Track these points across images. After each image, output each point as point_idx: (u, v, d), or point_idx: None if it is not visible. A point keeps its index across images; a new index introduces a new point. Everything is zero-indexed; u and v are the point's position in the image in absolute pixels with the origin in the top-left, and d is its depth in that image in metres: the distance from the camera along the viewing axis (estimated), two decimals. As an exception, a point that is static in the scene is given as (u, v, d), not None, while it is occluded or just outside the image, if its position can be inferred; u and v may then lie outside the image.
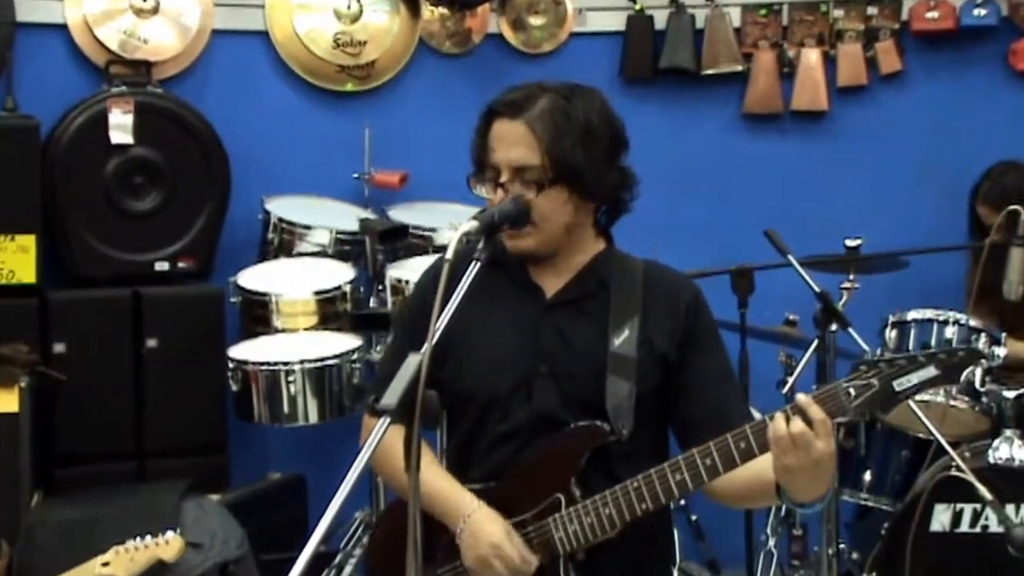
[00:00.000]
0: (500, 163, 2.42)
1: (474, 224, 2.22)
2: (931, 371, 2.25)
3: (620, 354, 2.43)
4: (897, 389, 2.25)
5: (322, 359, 4.14)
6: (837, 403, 2.25)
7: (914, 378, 2.25)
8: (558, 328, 2.47)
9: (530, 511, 2.41)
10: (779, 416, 2.23)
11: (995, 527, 3.65)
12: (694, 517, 4.54)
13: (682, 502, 4.46)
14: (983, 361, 2.31)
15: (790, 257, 3.74)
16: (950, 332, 4.04)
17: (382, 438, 1.90)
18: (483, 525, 2.39)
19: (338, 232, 4.51)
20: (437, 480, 2.44)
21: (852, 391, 2.26)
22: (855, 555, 4.25)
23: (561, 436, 2.42)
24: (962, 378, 2.25)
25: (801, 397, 2.24)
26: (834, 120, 5.15)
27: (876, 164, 5.15)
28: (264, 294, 4.31)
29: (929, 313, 4.10)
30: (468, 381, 2.47)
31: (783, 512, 4.28)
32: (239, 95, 4.82)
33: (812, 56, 5.05)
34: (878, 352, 4.02)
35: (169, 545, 3.48)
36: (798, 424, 2.20)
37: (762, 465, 2.29)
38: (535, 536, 2.40)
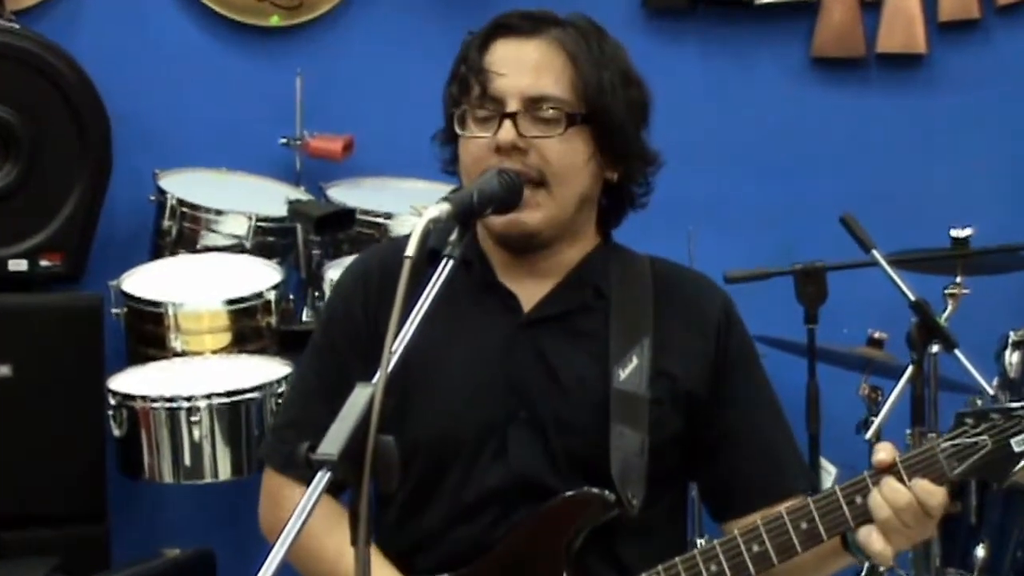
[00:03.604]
0: (507, 92, 2.40)
1: (445, 208, 2.16)
2: None
3: (627, 392, 2.43)
4: (1017, 450, 2.28)
5: (237, 392, 4.13)
6: (934, 469, 2.30)
7: None
8: (540, 354, 2.46)
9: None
10: (881, 493, 2.27)
11: None
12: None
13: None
14: None
15: (875, 253, 3.74)
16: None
17: (317, 501, 1.88)
18: None
19: (259, 219, 4.50)
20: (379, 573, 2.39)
21: (954, 452, 2.29)
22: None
23: (547, 509, 2.41)
24: None
25: (882, 457, 2.29)
26: (934, 67, 5.16)
27: (991, 127, 5.17)
28: (158, 304, 4.30)
29: (1065, 330, 4.12)
30: (416, 426, 2.41)
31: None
32: (123, 33, 4.81)
33: (905, -20, 5.08)
34: (994, 383, 4.03)
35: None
36: (903, 495, 2.26)
37: None
38: None
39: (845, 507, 2.33)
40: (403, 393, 2.41)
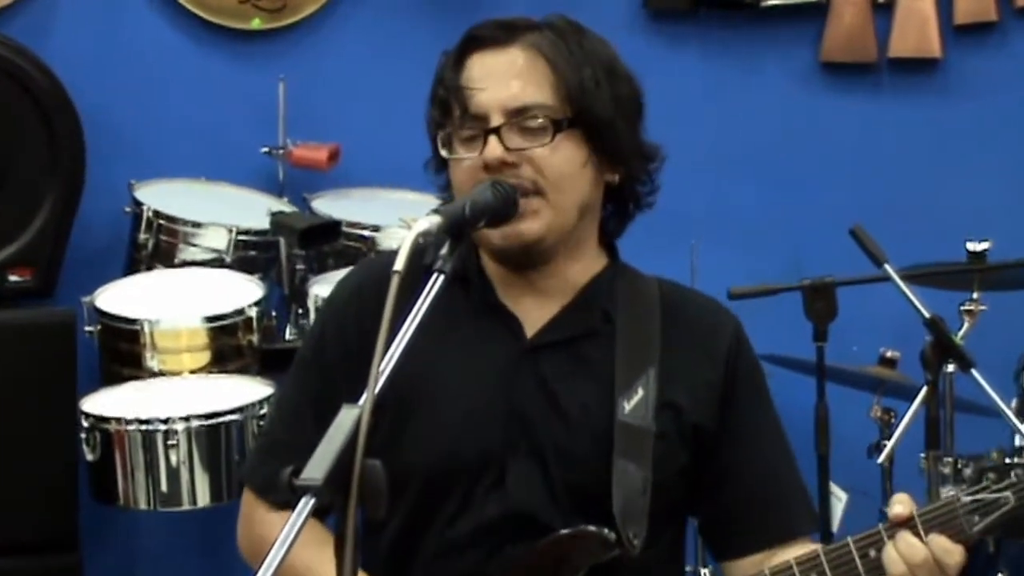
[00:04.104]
0: (488, 107, 2.39)
1: (435, 220, 2.16)
2: None
3: (632, 425, 2.42)
4: None
5: (217, 415, 4.12)
6: (953, 526, 2.30)
7: None
8: (543, 381, 2.45)
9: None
10: (897, 548, 2.28)
11: None
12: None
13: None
14: None
15: (887, 267, 3.73)
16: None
17: (302, 527, 1.88)
18: None
19: (240, 232, 4.50)
20: None
21: (975, 508, 2.30)
22: None
23: (545, 546, 2.40)
24: None
25: (898, 510, 2.30)
26: (950, 72, 5.16)
27: (1010, 134, 5.17)
28: (133, 321, 4.30)
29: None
30: (410, 453, 2.41)
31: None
32: (97, 36, 4.81)
33: (918, -19, 5.08)
34: (1013, 404, 4.02)
35: None
36: (919, 551, 2.27)
37: None
38: None
39: (858, 560, 2.34)
40: (397, 417, 2.41)
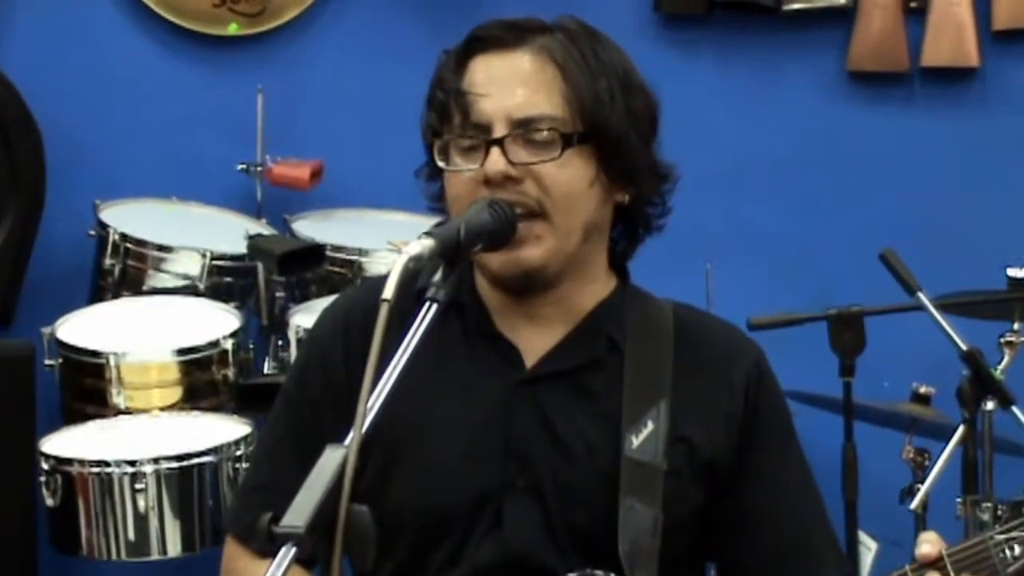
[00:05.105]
0: (492, 115, 2.38)
1: (427, 244, 2.17)
2: None
3: (640, 462, 2.41)
4: None
5: (188, 456, 4.12)
6: (985, 567, 2.29)
7: None
8: (543, 415, 2.45)
9: None
10: None
11: None
12: None
13: None
14: None
15: (920, 295, 3.75)
16: None
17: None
18: None
19: (214, 257, 4.51)
20: None
21: (1009, 546, 2.29)
22: None
23: (546, 591, 2.41)
24: None
25: (926, 550, 2.29)
26: (988, 82, 5.17)
27: (1054, 150, 5.18)
28: (98, 354, 4.30)
29: None
30: (400, 496, 2.43)
31: None
32: (59, 43, 4.83)
33: (954, -17, 5.11)
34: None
35: None
36: None
37: None
38: None
39: None
40: (386, 457, 2.42)
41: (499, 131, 2.38)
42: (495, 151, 2.37)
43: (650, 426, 2.43)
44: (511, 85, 2.40)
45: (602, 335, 2.49)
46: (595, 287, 2.51)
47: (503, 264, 2.40)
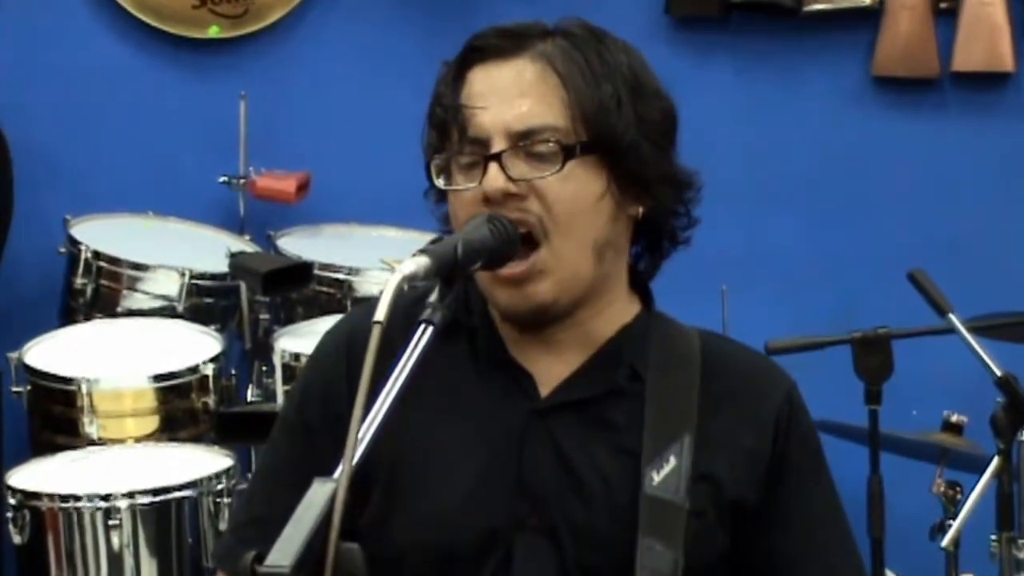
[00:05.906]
0: (490, 129, 2.38)
1: (422, 262, 2.19)
2: None
3: (661, 499, 2.41)
4: None
5: (165, 490, 4.14)
6: None
7: None
8: (558, 448, 2.44)
9: None
10: None
11: None
12: None
13: None
14: None
15: (951, 317, 3.75)
16: None
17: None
18: None
19: (193, 276, 4.52)
20: None
21: None
22: None
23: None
24: None
25: None
26: (1023, 88, 5.18)
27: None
28: (69, 380, 4.32)
29: None
30: (404, 533, 2.42)
31: None
32: (29, 48, 4.85)
33: (987, -17, 5.12)
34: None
35: None
36: None
37: None
38: None
39: None
40: (388, 492, 2.42)
41: (498, 145, 2.38)
42: (493, 167, 2.37)
43: (672, 462, 2.43)
44: (509, 96, 2.40)
45: (623, 363, 2.49)
46: (615, 310, 2.50)
47: (510, 300, 2.41)
